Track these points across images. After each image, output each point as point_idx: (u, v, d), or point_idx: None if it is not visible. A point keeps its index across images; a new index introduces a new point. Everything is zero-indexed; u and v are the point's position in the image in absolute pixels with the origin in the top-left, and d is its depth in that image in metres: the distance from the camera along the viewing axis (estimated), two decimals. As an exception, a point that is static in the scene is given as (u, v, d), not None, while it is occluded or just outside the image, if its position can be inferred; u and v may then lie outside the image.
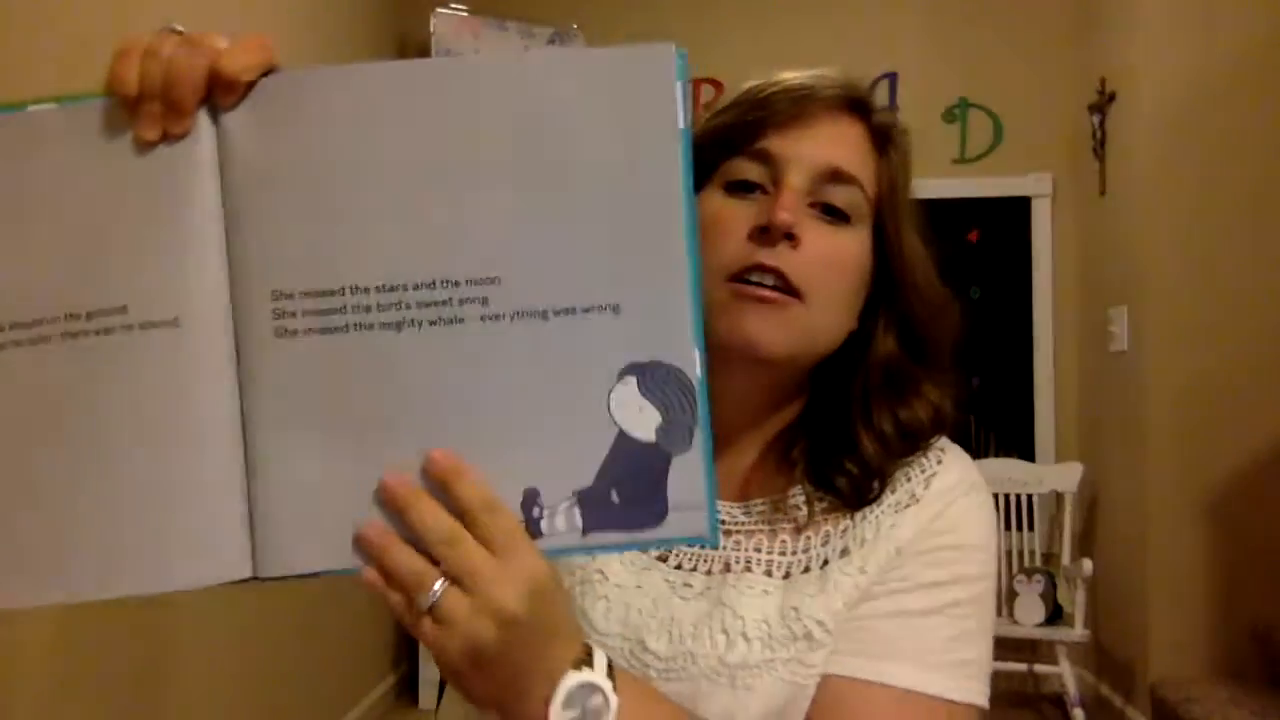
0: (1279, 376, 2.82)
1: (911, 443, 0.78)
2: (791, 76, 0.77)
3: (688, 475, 0.53)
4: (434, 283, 0.52)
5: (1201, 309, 2.87)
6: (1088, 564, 3.03)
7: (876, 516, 0.76)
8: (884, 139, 0.78)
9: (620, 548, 0.61)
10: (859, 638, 0.71)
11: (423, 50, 3.48)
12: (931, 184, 3.52)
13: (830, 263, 0.73)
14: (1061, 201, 3.54)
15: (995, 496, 3.29)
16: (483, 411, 0.53)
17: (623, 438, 0.53)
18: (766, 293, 0.71)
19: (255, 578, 0.53)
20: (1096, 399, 3.37)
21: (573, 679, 0.55)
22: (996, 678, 0.77)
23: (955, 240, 3.52)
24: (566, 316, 0.52)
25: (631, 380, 0.53)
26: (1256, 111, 2.85)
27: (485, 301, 0.52)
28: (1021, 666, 3.24)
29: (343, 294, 0.52)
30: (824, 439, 0.78)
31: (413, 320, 0.52)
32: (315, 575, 0.53)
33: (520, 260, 0.52)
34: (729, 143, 0.76)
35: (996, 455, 3.48)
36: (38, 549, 0.52)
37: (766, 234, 0.71)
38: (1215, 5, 2.88)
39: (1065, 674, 3.03)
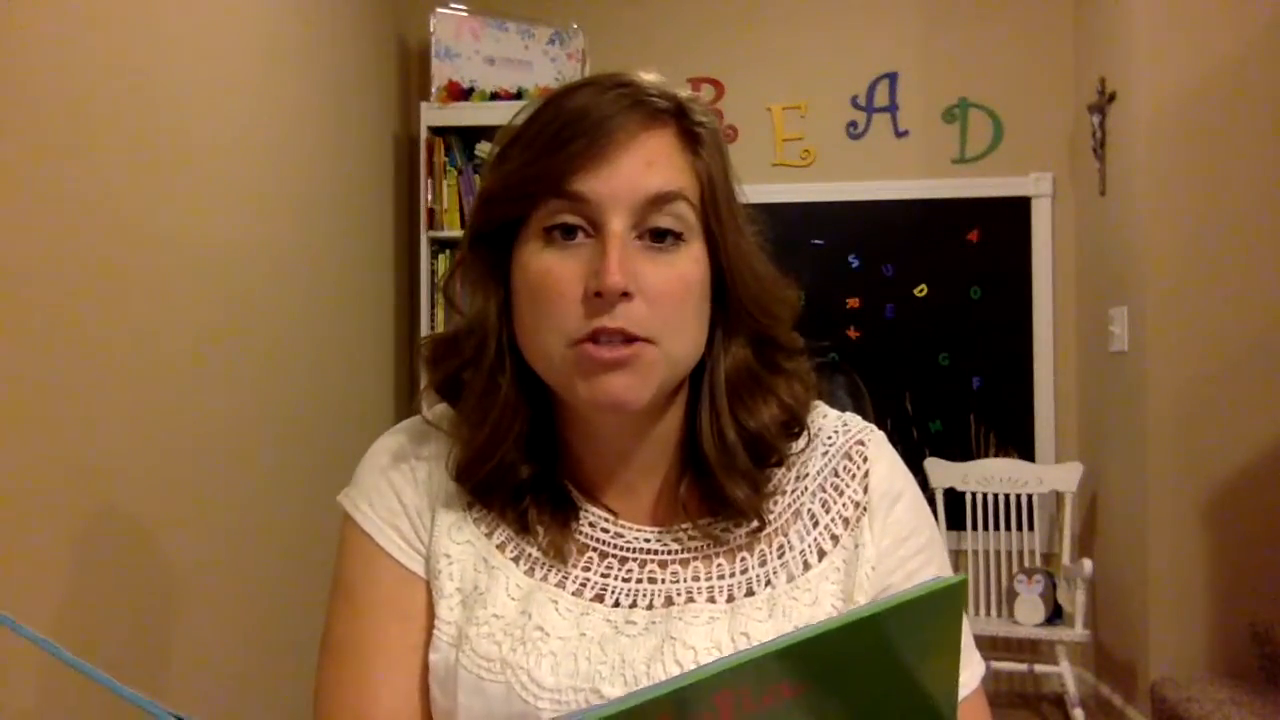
0: (1279, 376, 2.82)
1: (766, 449, 0.76)
2: (587, 93, 0.72)
3: None
4: None
5: (1201, 309, 2.87)
6: (1088, 564, 3.04)
7: (816, 537, 0.76)
8: (695, 137, 0.74)
9: None
10: None
11: (423, 49, 3.48)
12: (931, 184, 3.53)
13: (671, 296, 0.71)
14: (1061, 201, 3.54)
15: (995, 496, 3.30)
16: None
17: None
18: (618, 354, 0.69)
19: None
20: (1096, 399, 3.37)
21: None
22: (997, 678, 0.78)
23: (955, 240, 3.52)
24: None
25: None
26: (1256, 111, 2.86)
27: None
28: (1021, 666, 3.22)
29: None
30: (702, 465, 0.76)
31: None
32: None
33: None
34: (535, 189, 0.71)
35: (996, 455, 3.48)
36: None
37: (601, 298, 0.68)
38: (1214, 5, 2.88)
39: (1065, 674, 3.03)
